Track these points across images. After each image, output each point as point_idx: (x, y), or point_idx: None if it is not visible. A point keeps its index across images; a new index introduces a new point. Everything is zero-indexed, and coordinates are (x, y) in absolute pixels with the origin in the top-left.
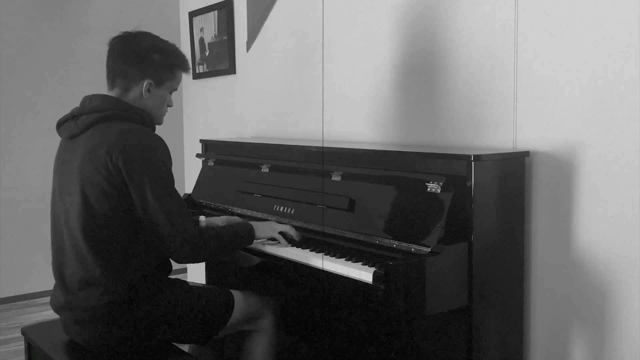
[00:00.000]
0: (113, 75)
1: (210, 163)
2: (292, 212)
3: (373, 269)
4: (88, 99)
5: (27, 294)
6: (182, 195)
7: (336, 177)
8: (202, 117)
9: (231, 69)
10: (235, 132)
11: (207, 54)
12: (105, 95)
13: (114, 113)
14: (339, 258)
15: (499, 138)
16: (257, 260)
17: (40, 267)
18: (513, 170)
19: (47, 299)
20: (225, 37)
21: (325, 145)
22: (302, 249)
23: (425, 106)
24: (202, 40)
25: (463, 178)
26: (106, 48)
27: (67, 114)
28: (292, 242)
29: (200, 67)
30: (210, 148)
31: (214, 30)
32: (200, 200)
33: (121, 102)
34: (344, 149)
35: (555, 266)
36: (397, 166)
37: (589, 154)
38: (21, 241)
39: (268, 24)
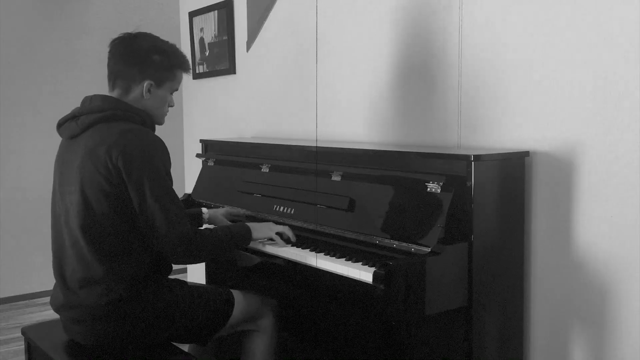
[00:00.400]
0: (114, 76)
1: (210, 163)
2: (292, 212)
3: (373, 269)
4: (88, 99)
5: (27, 294)
6: (182, 195)
7: (336, 177)
8: (202, 117)
9: (231, 69)
10: (235, 132)
11: (207, 54)
12: (106, 96)
13: (114, 113)
14: (339, 258)
15: (499, 138)
16: (257, 260)
17: (40, 267)
18: (513, 170)
19: (47, 299)
20: (225, 37)
21: (325, 145)
22: (302, 248)
23: (425, 106)
24: (202, 40)
25: (463, 178)
26: (106, 48)
27: (68, 114)
28: (289, 242)
29: (200, 67)
30: (210, 148)
31: (214, 30)
32: (200, 200)
33: (121, 102)
34: (344, 149)
35: (555, 266)
36: (397, 166)
37: (589, 154)
38: (21, 241)
39: (268, 24)
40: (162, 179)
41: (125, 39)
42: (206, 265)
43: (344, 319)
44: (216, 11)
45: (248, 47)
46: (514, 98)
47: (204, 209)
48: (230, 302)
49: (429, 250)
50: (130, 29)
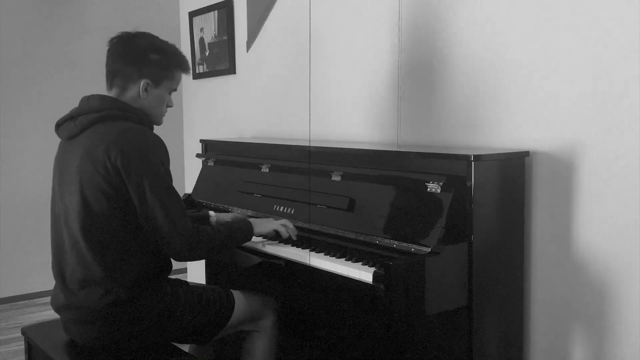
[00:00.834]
0: (111, 75)
1: (210, 163)
2: (292, 212)
3: (373, 269)
4: (86, 99)
5: (27, 294)
6: (182, 196)
7: (336, 177)
8: (202, 117)
9: (231, 69)
10: (235, 132)
11: (207, 54)
12: (104, 96)
13: (112, 113)
14: (339, 258)
15: (499, 138)
16: (257, 260)
17: (40, 267)
18: (513, 170)
19: (47, 299)
20: (225, 37)
21: (325, 145)
22: (302, 248)
23: (425, 106)
24: (202, 40)
25: (463, 178)
26: (106, 48)
27: (66, 115)
28: (290, 239)
29: (200, 67)
30: (210, 148)
31: (214, 30)
32: (200, 200)
33: (119, 102)
34: (344, 149)
35: (555, 266)
36: (397, 166)
37: (589, 154)
38: (21, 241)
39: (268, 24)
40: (162, 178)
41: (124, 37)
42: (206, 265)
43: (344, 319)
44: (216, 11)
45: (248, 47)
46: (514, 98)
47: (212, 212)
48: (230, 302)
49: (429, 250)
50: (130, 29)
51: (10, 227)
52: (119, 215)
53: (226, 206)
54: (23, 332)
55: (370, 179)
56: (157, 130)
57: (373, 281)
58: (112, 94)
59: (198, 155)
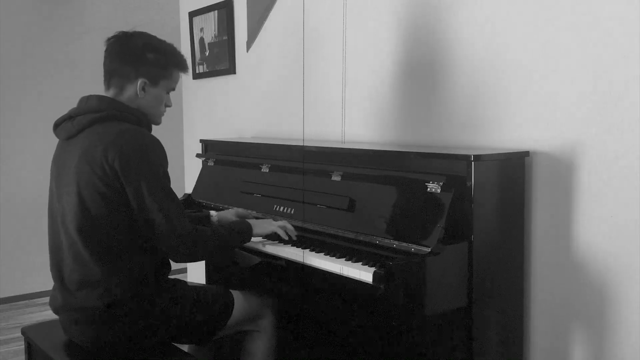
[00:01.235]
0: (109, 75)
1: (210, 163)
2: (292, 212)
3: (373, 269)
4: (85, 100)
5: (27, 294)
6: (182, 196)
7: (336, 177)
8: (202, 117)
9: (231, 69)
10: (235, 132)
11: (207, 54)
12: (102, 96)
13: (110, 114)
14: (339, 258)
15: (499, 138)
16: (257, 260)
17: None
18: (513, 170)
19: (47, 299)
20: (225, 37)
21: (325, 145)
22: (302, 248)
23: (425, 106)
24: (202, 40)
25: (463, 178)
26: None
27: (64, 115)
28: (290, 239)
29: (200, 67)
30: (210, 148)
31: (214, 30)
32: (200, 200)
33: (117, 102)
34: (344, 149)
35: (555, 266)
36: (397, 166)
37: (589, 154)
38: (21, 241)
39: (268, 24)
40: (160, 179)
41: (121, 37)
42: (206, 265)
43: (344, 319)
44: (216, 11)
45: (248, 47)
46: (514, 98)
47: (213, 212)
48: (230, 302)
49: (429, 250)
50: (128, 28)
51: (10, 227)
52: (116, 216)
53: (226, 206)
54: (23, 332)
55: (370, 179)
56: (156, 130)
57: (373, 281)
58: (110, 94)
59: (198, 155)
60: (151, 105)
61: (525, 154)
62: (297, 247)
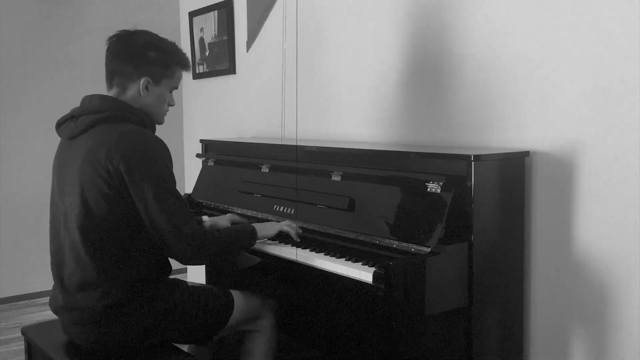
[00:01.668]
0: (111, 75)
1: (210, 163)
2: (292, 212)
3: (373, 269)
4: (88, 99)
5: (27, 294)
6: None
7: (336, 177)
8: (202, 117)
9: (231, 69)
10: (235, 132)
11: (207, 54)
12: (104, 96)
13: (113, 114)
14: (339, 258)
15: (499, 138)
16: (257, 260)
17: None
18: (513, 170)
19: (47, 299)
20: (225, 37)
21: (325, 145)
22: (302, 248)
23: (425, 106)
24: (202, 40)
25: (463, 178)
26: (105, 47)
27: (67, 114)
28: (290, 239)
29: (200, 67)
30: (210, 148)
31: (214, 30)
32: (200, 200)
33: (119, 102)
34: (344, 149)
35: (555, 266)
36: (397, 166)
37: (589, 154)
38: (21, 241)
39: (268, 24)
40: (165, 181)
41: (122, 36)
42: (206, 266)
43: (344, 319)
44: (216, 11)
45: (248, 47)
46: (514, 98)
47: (205, 217)
48: (230, 302)
49: (429, 250)
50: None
51: (10, 227)
52: (118, 218)
53: (226, 206)
54: (23, 332)
55: (370, 179)
56: (157, 129)
57: (373, 281)
58: (113, 93)
59: (198, 155)
60: (154, 104)
61: (525, 154)
62: (297, 247)
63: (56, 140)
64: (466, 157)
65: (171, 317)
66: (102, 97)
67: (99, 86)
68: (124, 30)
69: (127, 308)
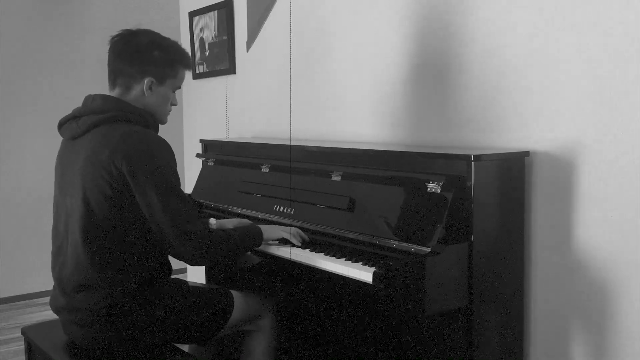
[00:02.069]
0: (114, 75)
1: (210, 163)
2: (292, 212)
3: (373, 269)
4: (90, 99)
5: (27, 294)
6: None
7: (336, 177)
8: (202, 117)
9: (231, 69)
10: (235, 132)
11: (207, 54)
12: (107, 96)
13: (116, 114)
14: (339, 258)
15: (499, 138)
16: (257, 260)
17: (40, 267)
18: (513, 171)
19: (47, 299)
20: (225, 37)
21: (326, 145)
22: (302, 248)
23: (425, 106)
24: (202, 40)
25: (463, 178)
26: (106, 48)
27: (69, 114)
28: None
29: (200, 67)
30: (210, 148)
31: (214, 30)
32: (200, 201)
33: (122, 102)
34: (344, 148)
35: (555, 266)
36: (397, 166)
37: (589, 154)
38: (21, 241)
39: (268, 24)
40: (169, 181)
41: (125, 35)
42: (206, 266)
43: (344, 319)
44: (216, 11)
45: (248, 47)
46: (514, 98)
47: (212, 220)
48: (230, 302)
49: (429, 250)
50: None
51: (10, 227)
52: (120, 219)
53: (226, 206)
54: (23, 332)
55: (370, 179)
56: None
57: (373, 281)
58: (115, 93)
59: (198, 155)
60: (158, 104)
61: (525, 154)
62: (298, 247)
63: (57, 140)
64: (466, 157)
65: (172, 317)
66: (104, 97)
67: (99, 86)
68: (127, 30)
69: (128, 308)
